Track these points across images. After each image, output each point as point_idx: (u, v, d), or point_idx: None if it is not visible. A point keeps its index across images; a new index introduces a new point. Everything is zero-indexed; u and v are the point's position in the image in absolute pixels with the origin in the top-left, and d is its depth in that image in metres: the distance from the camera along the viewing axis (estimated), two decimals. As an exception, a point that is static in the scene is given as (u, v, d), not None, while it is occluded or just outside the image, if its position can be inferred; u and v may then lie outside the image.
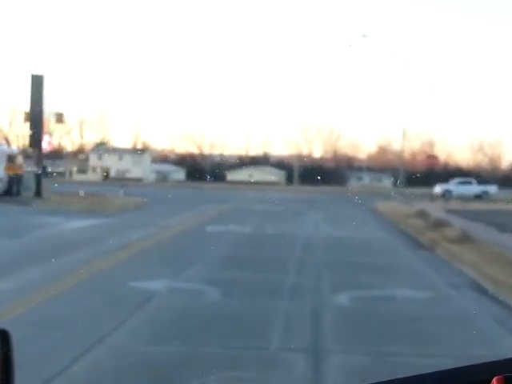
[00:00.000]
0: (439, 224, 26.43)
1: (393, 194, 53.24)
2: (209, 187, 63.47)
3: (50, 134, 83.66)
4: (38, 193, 37.24)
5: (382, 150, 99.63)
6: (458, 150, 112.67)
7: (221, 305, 12.13)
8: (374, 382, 1.83)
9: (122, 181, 74.50)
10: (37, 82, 35.76)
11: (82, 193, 40.56)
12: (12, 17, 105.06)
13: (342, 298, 12.91)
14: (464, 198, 52.18)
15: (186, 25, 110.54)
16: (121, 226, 26.06)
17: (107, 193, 42.05)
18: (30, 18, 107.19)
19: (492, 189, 59.74)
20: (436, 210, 35.58)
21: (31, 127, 36.85)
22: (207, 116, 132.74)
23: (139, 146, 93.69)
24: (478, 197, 55.56)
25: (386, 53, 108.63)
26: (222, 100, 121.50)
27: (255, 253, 19.08)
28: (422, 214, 31.69)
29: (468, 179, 61.67)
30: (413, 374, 1.83)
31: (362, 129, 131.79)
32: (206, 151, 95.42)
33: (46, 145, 42.33)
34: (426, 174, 68.72)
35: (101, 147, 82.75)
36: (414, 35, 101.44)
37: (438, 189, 58.54)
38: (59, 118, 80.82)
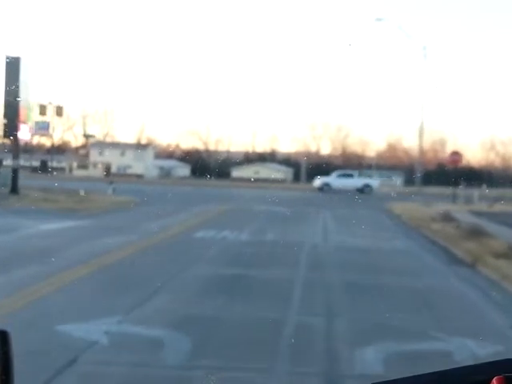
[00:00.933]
0: (474, 231, 21.69)
1: (393, 194, 48.84)
2: (212, 184, 58.68)
3: (49, 126, 79.07)
4: (14, 189, 32.56)
5: (392, 148, 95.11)
6: (469, 149, 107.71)
7: (183, 375, 7.51)
8: (375, 382, 1.75)
9: (124, 177, 70.02)
10: (12, 65, 31.02)
11: (81, 192, 35.90)
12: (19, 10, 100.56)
13: (370, 358, 8.26)
14: (344, 192, 48.09)
15: (194, 20, 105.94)
16: (94, 231, 21.38)
17: (97, 190, 37.42)
18: (37, 10, 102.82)
19: (375, 183, 55.52)
20: (460, 212, 30.84)
21: (5, 116, 32.11)
22: (214, 112, 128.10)
23: (144, 142, 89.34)
24: (360, 191, 51.46)
25: (400, 39, 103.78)
26: (229, 96, 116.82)
27: (250, 272, 14.41)
28: (447, 218, 26.95)
29: (349, 172, 57.53)
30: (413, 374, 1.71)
31: (371, 126, 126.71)
32: (212, 147, 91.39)
33: (27, 136, 37.59)
34: (436, 172, 64.08)
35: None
36: (428, 30, 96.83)
37: (317, 182, 54.48)
38: (58, 111, 76.26)
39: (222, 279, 13.47)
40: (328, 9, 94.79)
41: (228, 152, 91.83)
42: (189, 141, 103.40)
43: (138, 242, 18.35)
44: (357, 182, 54.31)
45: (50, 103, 76.62)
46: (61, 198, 31.21)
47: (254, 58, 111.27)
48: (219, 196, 44.33)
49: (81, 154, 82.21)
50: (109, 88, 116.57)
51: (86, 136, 72.82)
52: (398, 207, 34.23)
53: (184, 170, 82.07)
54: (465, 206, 36.10)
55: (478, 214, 30.66)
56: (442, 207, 33.78)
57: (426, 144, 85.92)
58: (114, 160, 78.60)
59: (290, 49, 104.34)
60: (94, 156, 79.50)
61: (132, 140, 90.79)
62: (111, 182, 35.23)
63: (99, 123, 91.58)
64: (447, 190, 52.42)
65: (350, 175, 56.38)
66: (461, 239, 20.42)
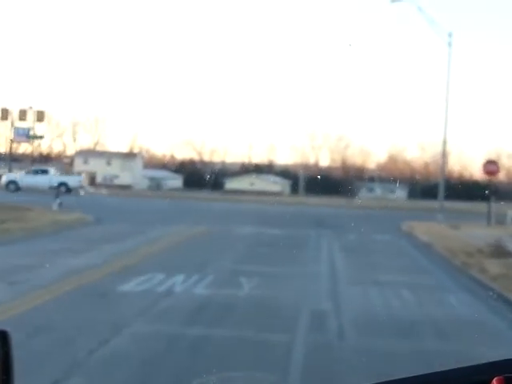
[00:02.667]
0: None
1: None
2: (200, 197, 50.00)
3: (29, 132, 69.43)
4: None
5: (392, 160, 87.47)
6: (473, 162, 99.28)
7: None
8: (374, 382, 1.66)
9: (110, 188, 61.59)
10: None
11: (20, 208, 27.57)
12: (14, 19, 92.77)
13: None
14: (37, 191, 41.54)
15: (190, 29, 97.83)
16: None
17: (47, 205, 28.90)
18: (30, 20, 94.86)
19: (73, 181, 48.85)
20: (507, 239, 22.37)
21: None
22: (210, 122, 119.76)
23: (136, 152, 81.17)
24: (56, 189, 44.16)
25: (415, 31, 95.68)
26: (225, 105, 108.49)
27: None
28: (502, 251, 18.51)
29: (44, 168, 51.01)
30: (413, 374, 1.61)
31: (373, 137, 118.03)
32: (207, 158, 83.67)
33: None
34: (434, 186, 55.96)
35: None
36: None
37: (3, 179, 47.89)
38: (39, 116, 67.54)
39: None
40: (326, 18, 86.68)
41: (223, 163, 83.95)
42: (183, 151, 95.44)
43: (13, 303, 9.80)
44: (52, 179, 46.69)
45: (31, 108, 68.24)
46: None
47: (252, 65, 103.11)
48: (202, 211, 35.95)
49: (65, 163, 73.88)
50: (101, 96, 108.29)
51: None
52: (421, 230, 25.72)
53: (176, 182, 74.12)
54: (501, 228, 27.56)
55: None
56: (475, 230, 25.39)
57: (429, 156, 77.78)
58: (100, 169, 70.30)
59: (289, 55, 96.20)
60: (79, 165, 71.13)
61: (124, 150, 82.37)
62: (57, 195, 26.79)
63: (90, 132, 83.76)
64: (463, 206, 44.32)
65: (45, 171, 49.47)
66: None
